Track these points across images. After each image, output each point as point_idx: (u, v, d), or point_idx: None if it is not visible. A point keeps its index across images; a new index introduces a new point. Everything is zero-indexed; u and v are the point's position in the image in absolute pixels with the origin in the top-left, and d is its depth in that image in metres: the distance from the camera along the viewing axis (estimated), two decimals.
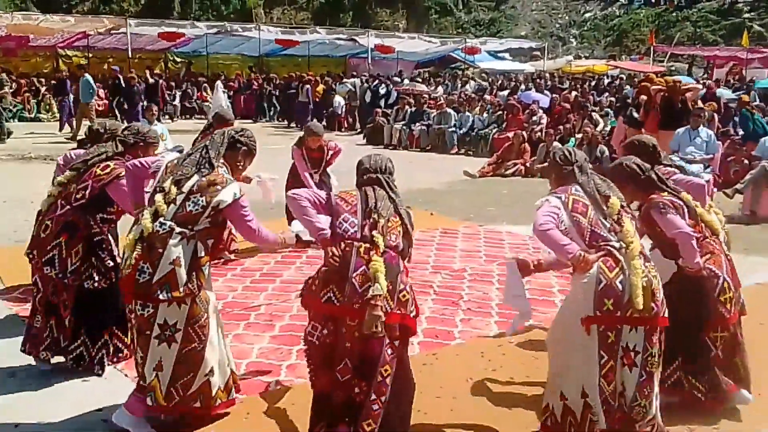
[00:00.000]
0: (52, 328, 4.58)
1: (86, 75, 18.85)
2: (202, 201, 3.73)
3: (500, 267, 7.09)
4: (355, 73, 26.22)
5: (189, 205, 3.73)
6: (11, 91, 22.50)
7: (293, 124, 22.60)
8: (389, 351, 3.44)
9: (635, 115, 11.39)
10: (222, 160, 3.88)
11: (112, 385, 4.45)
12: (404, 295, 3.47)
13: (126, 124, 5.11)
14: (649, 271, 3.57)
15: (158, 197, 3.75)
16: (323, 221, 3.60)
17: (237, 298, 6.10)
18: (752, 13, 40.59)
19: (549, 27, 46.64)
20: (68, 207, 4.54)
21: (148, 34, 26.34)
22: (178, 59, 30.76)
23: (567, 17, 47.64)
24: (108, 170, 4.53)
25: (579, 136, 14.69)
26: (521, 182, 13.55)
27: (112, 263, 4.57)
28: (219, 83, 22.97)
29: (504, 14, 47.89)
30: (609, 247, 3.54)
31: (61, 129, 19.91)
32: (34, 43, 26.84)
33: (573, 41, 44.85)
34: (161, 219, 3.71)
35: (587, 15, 47.47)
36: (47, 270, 4.50)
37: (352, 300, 3.37)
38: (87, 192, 4.52)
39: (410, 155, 16.62)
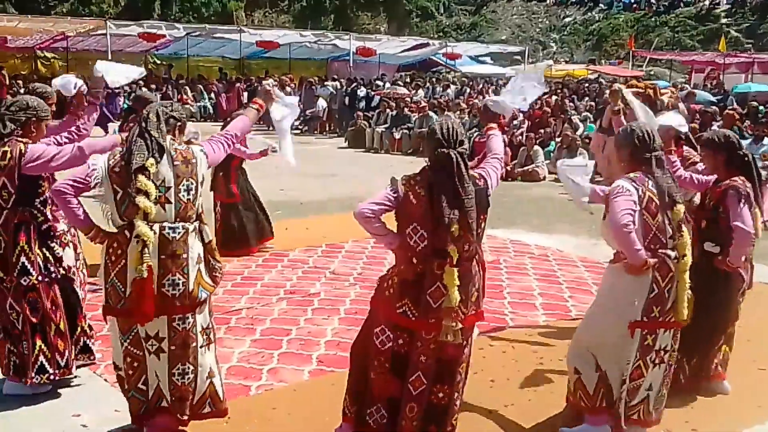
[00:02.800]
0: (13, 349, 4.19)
1: None
2: (192, 184, 3.54)
3: None
4: (335, 77, 26.16)
5: (183, 196, 3.51)
6: None
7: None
8: (466, 351, 3.54)
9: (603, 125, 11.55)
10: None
11: (90, 390, 4.39)
12: (473, 295, 3.46)
13: (12, 100, 4.31)
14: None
15: (141, 199, 3.38)
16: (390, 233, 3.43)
17: (218, 302, 6.03)
18: (729, 19, 41.05)
19: (529, 31, 46.87)
20: (6, 210, 4.06)
21: (128, 36, 26.14)
22: (159, 61, 30.60)
23: (547, 22, 47.91)
24: (7, 157, 3.98)
25: (559, 140, 14.79)
26: (501, 186, 13.35)
27: (61, 252, 4.20)
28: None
29: (485, 18, 48.08)
30: (665, 256, 3.60)
31: None
32: (12, 45, 26.50)
33: (553, 46, 45.10)
34: (167, 223, 3.45)
35: (567, 20, 47.76)
36: (25, 281, 4.07)
37: (427, 315, 3.34)
38: (9, 187, 4.01)
39: (392, 159, 16.57)
